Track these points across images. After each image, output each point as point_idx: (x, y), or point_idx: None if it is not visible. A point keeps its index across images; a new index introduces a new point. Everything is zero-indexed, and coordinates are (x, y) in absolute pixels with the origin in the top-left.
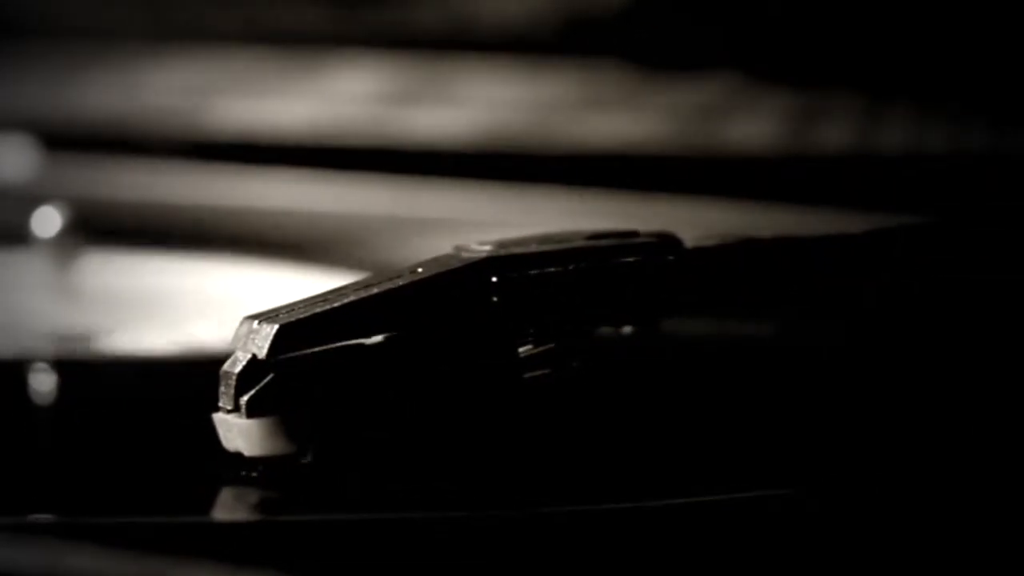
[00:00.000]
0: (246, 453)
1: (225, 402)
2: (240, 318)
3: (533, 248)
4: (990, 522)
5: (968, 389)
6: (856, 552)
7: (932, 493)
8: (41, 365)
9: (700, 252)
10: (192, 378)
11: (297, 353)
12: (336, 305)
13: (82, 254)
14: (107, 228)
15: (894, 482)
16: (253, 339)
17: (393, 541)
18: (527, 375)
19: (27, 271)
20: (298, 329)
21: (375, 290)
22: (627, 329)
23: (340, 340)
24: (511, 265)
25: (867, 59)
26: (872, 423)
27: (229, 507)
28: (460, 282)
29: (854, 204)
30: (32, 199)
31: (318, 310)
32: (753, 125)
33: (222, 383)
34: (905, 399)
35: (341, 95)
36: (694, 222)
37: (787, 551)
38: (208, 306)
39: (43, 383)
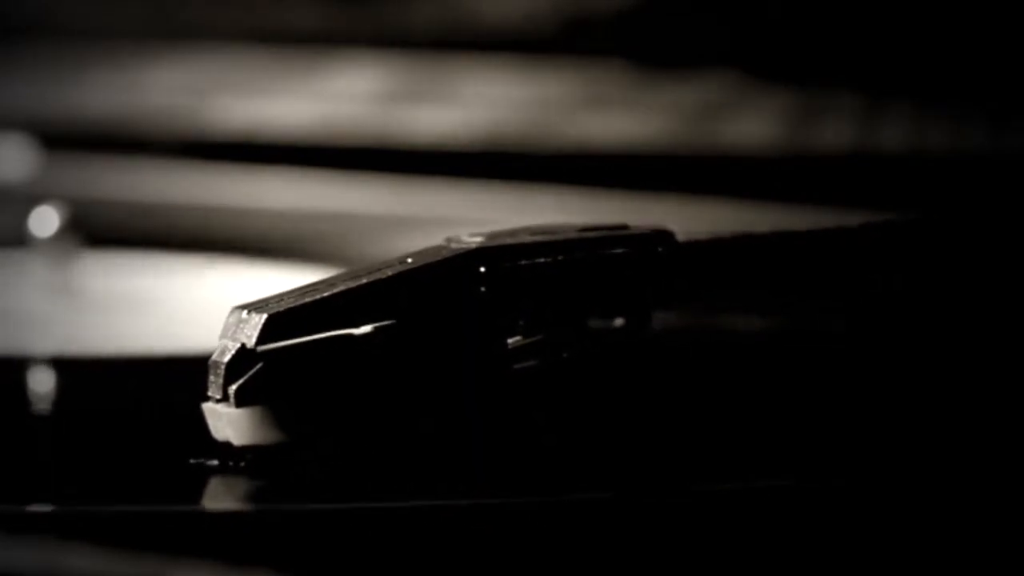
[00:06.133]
0: (235, 442)
1: (214, 391)
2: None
3: (523, 239)
4: (989, 520)
5: (963, 384)
6: (851, 547)
7: (927, 490)
8: (36, 364)
9: (692, 245)
10: (187, 376)
11: (286, 343)
12: (325, 295)
13: (79, 254)
14: (105, 228)
15: (888, 478)
16: (242, 328)
17: (381, 531)
18: (516, 366)
19: (24, 270)
20: (286, 319)
21: (364, 280)
22: (618, 321)
23: (329, 330)
24: (500, 256)
25: (866, 59)
26: (865, 417)
27: (218, 496)
28: (449, 272)
29: (854, 204)
30: (30, 199)
31: (307, 300)
32: (752, 124)
33: (211, 373)
34: (898, 393)
35: (341, 95)
36: (693, 221)
37: (780, 545)
38: (206, 306)
39: (38, 381)
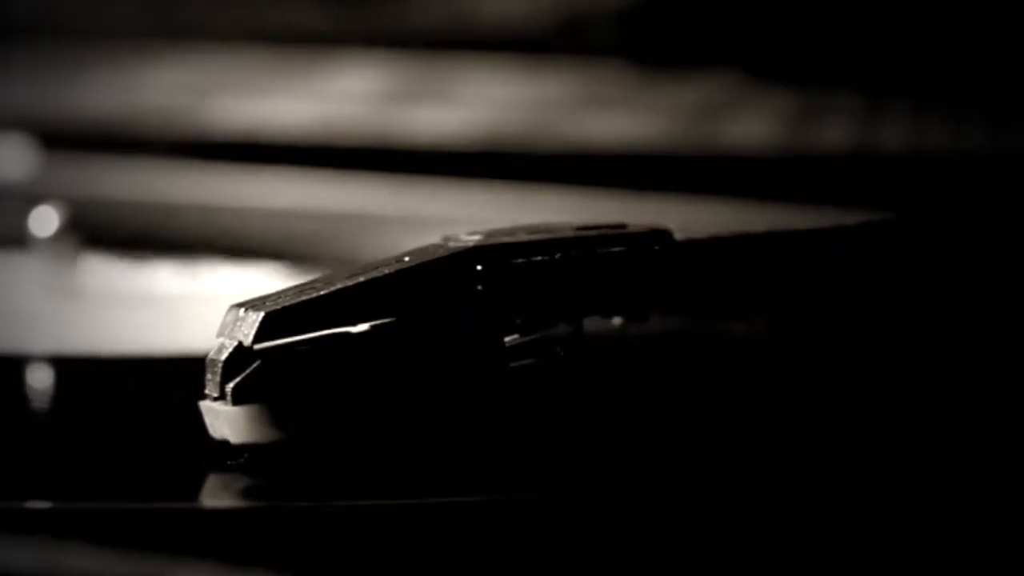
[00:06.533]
0: (232, 440)
1: (211, 389)
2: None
3: (520, 238)
4: (990, 522)
5: (963, 385)
6: (850, 550)
7: (927, 492)
8: (36, 363)
9: (689, 244)
10: (185, 375)
11: (283, 341)
12: (322, 293)
13: (79, 254)
14: (105, 228)
15: (888, 480)
16: (239, 327)
17: (378, 529)
18: (513, 364)
19: (24, 270)
20: (284, 317)
21: (361, 278)
22: (615, 319)
23: (326, 328)
24: (497, 254)
25: (866, 58)
26: (861, 419)
27: (215, 494)
28: (446, 271)
29: (854, 204)
30: (30, 198)
31: (304, 298)
32: (752, 124)
33: (208, 371)
34: (894, 394)
35: (341, 94)
36: (693, 222)
37: (779, 546)
38: (205, 306)
39: (37, 380)
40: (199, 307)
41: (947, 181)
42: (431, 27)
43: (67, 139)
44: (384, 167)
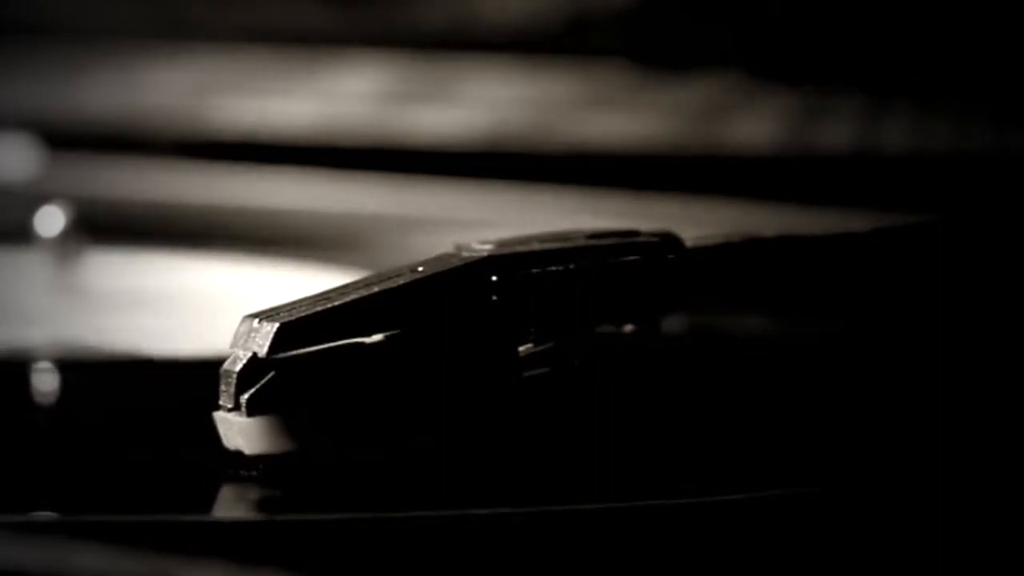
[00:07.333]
0: (246, 451)
1: (225, 400)
2: (241, 317)
3: (533, 247)
4: (991, 522)
5: (968, 388)
6: (856, 553)
7: (933, 493)
8: (43, 364)
9: (701, 251)
10: (193, 377)
11: (297, 352)
12: (336, 304)
13: (84, 253)
14: (109, 227)
15: (895, 482)
16: (253, 337)
17: (392, 540)
18: (527, 374)
19: (30, 270)
20: (298, 328)
21: (375, 289)
22: (628, 328)
23: (340, 339)
24: (511, 264)
25: (868, 58)
26: (872, 423)
27: (229, 505)
28: (460, 281)
29: (855, 204)
30: (35, 198)
31: (318, 309)
32: (754, 125)
33: (222, 381)
34: (905, 399)
35: (343, 94)
36: (695, 222)
37: (786, 552)
38: (209, 306)
39: (45, 382)
40: (203, 306)
41: (951, 181)
42: (433, 27)
43: (71, 138)
44: (386, 167)
